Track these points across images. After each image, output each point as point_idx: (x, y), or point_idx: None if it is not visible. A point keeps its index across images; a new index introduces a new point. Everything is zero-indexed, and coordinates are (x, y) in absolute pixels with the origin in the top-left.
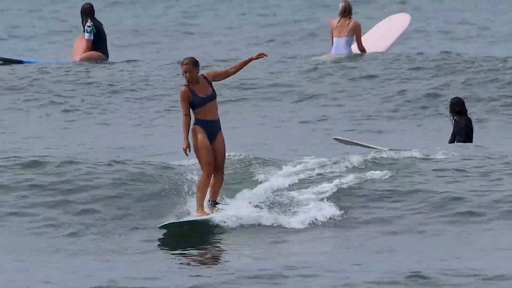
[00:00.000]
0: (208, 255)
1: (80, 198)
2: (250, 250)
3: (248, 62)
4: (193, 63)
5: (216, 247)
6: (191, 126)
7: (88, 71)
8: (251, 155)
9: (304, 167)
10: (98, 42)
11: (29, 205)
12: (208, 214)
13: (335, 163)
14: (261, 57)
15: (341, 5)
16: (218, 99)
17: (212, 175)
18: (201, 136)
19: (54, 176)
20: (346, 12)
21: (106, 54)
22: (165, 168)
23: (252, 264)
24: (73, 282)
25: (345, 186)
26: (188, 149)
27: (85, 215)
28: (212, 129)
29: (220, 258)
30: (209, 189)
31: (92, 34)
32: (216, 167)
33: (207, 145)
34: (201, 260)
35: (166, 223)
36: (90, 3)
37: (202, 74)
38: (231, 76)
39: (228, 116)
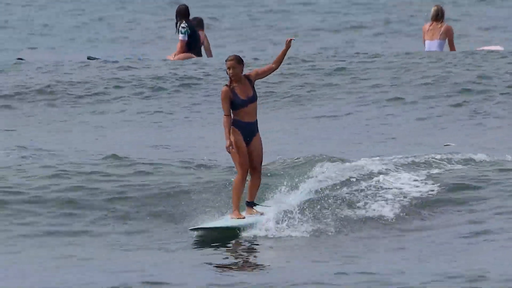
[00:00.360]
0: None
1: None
2: (280, 257)
3: (285, 53)
4: (238, 60)
5: (251, 251)
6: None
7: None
8: (311, 154)
9: (362, 166)
10: (192, 43)
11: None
12: (244, 217)
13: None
14: (290, 43)
15: (433, 9)
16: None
17: (250, 176)
18: (237, 137)
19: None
20: (439, 16)
21: (199, 55)
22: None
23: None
24: (103, 278)
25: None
26: (231, 147)
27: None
28: (249, 130)
29: (256, 263)
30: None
31: (186, 35)
32: (253, 168)
33: (243, 147)
34: (228, 262)
35: (197, 226)
36: (185, 5)
37: (245, 75)
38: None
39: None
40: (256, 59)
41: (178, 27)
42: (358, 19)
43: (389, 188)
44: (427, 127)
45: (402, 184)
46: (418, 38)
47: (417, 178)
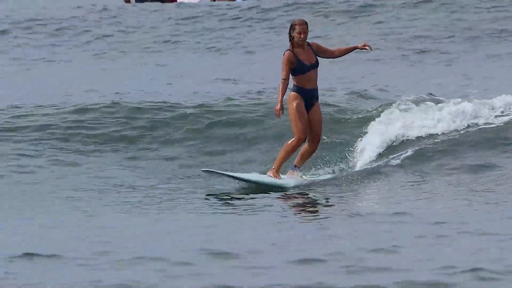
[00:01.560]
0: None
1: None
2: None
3: (352, 50)
4: (307, 25)
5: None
6: (289, 92)
7: None
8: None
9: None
10: None
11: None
12: (282, 179)
13: None
14: (365, 49)
15: None
16: None
17: (307, 143)
18: (298, 102)
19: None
20: None
21: None
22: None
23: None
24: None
25: None
26: (281, 111)
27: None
28: (310, 97)
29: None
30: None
31: None
32: (313, 137)
33: (304, 112)
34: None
35: (234, 175)
36: None
37: (307, 42)
38: (331, 59)
39: None
40: None
41: None
42: None
43: None
44: None
45: None
46: None
47: None
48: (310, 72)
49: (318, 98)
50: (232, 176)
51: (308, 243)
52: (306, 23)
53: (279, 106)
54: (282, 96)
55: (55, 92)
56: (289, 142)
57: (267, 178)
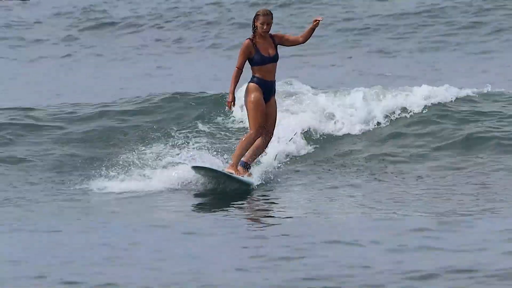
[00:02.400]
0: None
1: None
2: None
3: (313, 30)
4: (272, 17)
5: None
6: (248, 84)
7: None
8: None
9: None
10: None
11: None
12: (241, 175)
13: None
14: (317, 22)
15: None
16: None
17: (259, 138)
18: (258, 95)
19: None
20: None
21: None
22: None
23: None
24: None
25: None
26: (233, 104)
27: None
28: (269, 89)
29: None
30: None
31: None
32: (268, 131)
33: (263, 105)
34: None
35: (201, 165)
36: None
37: (270, 34)
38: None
39: None
40: None
41: None
42: None
43: None
44: None
45: None
46: None
47: None
48: (269, 64)
49: (275, 93)
50: (215, 171)
51: None
52: (271, 14)
53: (231, 97)
54: (235, 86)
55: None
56: (246, 135)
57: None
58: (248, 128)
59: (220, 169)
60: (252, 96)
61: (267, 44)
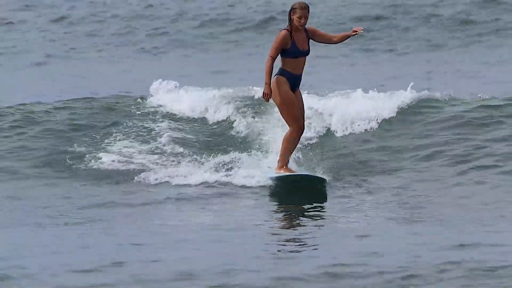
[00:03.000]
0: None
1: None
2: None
3: (347, 38)
4: (309, 10)
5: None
6: (276, 77)
7: None
8: None
9: None
10: None
11: None
12: (296, 172)
13: None
14: (356, 33)
15: None
16: None
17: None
18: (286, 88)
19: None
20: None
21: None
22: None
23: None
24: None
25: None
26: (270, 95)
27: None
28: (294, 83)
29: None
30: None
31: None
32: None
33: (295, 98)
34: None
35: (276, 174)
36: None
37: (304, 27)
38: (329, 45)
39: None
40: None
41: None
42: None
43: None
44: None
45: None
46: None
47: None
48: (301, 58)
49: (299, 85)
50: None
51: None
52: (308, 7)
53: (268, 89)
54: (270, 77)
55: None
56: (286, 134)
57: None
58: (287, 125)
59: (298, 172)
60: (283, 90)
61: (301, 38)
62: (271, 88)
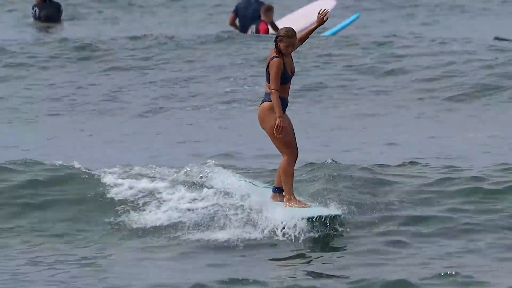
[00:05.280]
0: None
1: None
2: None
3: (313, 31)
4: (296, 36)
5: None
6: (265, 103)
7: None
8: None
9: None
10: None
11: None
12: (308, 205)
13: None
14: (322, 20)
15: None
16: None
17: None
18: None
19: None
20: None
21: None
22: None
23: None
24: None
25: None
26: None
27: None
28: (284, 107)
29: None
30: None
31: None
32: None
33: (287, 125)
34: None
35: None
36: None
37: None
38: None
39: None
40: None
41: None
42: None
43: None
44: None
45: None
46: None
47: None
48: (289, 82)
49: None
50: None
51: None
52: (295, 34)
53: (280, 121)
54: (281, 109)
55: None
56: (283, 164)
57: (312, 209)
58: (281, 155)
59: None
60: (275, 118)
61: (289, 61)
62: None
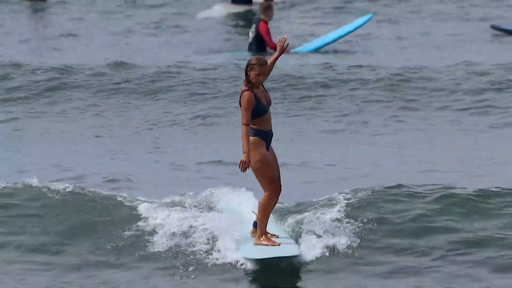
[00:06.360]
0: None
1: None
2: None
3: (275, 61)
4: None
5: None
6: (251, 139)
7: None
8: None
9: None
10: None
11: None
12: (277, 243)
13: None
14: (283, 48)
15: None
16: None
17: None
18: (264, 150)
19: None
20: None
21: None
22: None
23: None
24: None
25: None
26: (248, 165)
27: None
28: (270, 140)
29: None
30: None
31: None
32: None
33: (270, 160)
34: None
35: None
36: None
37: None
38: None
39: None
40: None
41: None
42: None
43: None
44: None
45: None
46: None
47: None
48: (268, 112)
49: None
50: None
51: None
52: (266, 63)
53: (246, 157)
54: (249, 145)
55: None
56: (264, 199)
57: (272, 249)
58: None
59: (267, 255)
60: (260, 153)
61: (261, 91)
62: (250, 157)
